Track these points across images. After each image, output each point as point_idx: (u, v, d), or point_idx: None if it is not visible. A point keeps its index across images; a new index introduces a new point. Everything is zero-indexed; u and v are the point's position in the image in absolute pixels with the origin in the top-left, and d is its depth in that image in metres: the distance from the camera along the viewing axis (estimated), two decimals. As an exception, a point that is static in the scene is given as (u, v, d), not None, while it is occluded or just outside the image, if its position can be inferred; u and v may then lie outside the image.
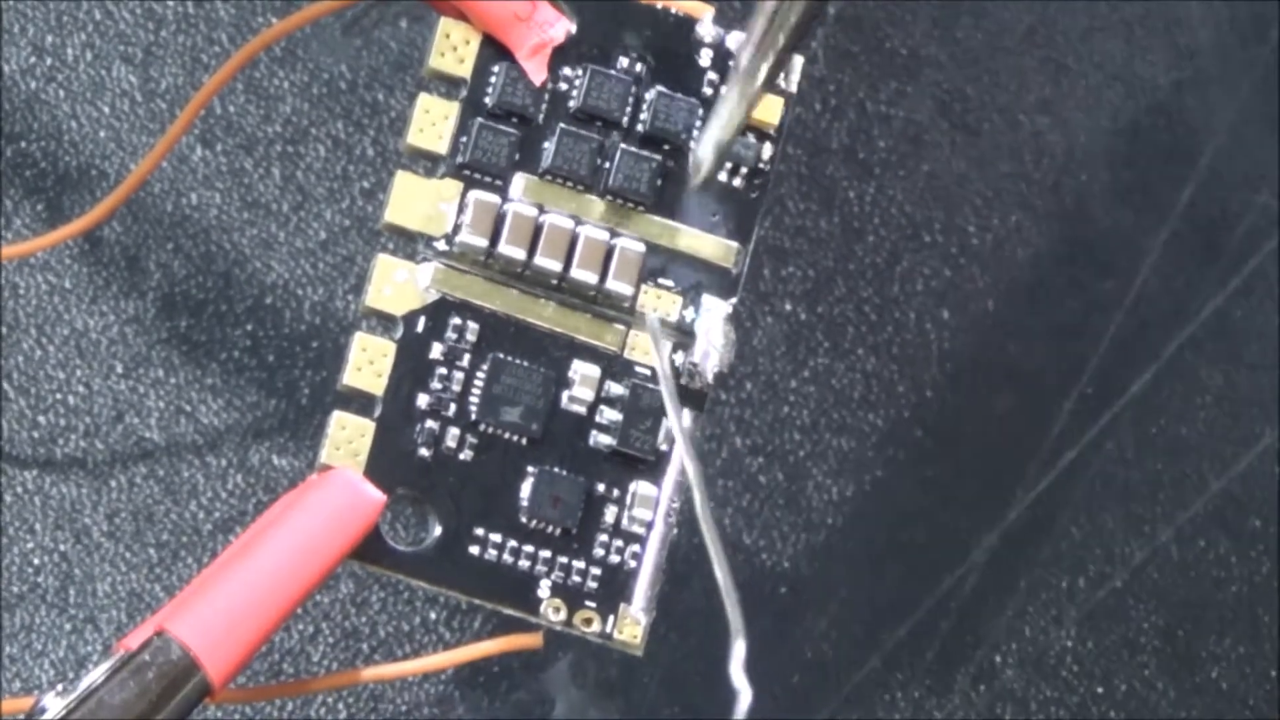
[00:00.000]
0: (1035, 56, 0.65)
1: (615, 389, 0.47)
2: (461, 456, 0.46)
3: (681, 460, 0.46)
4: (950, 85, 0.64)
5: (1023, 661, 0.62)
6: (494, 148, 0.46)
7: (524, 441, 0.46)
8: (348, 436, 0.45)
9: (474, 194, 0.46)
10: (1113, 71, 0.65)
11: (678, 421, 0.46)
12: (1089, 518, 0.62)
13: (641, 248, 0.47)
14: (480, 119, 0.46)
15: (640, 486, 0.47)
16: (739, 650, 0.42)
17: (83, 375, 0.58)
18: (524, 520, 0.46)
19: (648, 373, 0.47)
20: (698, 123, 0.47)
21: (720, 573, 0.43)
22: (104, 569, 0.57)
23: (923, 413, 0.62)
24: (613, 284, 0.46)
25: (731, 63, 0.46)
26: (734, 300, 0.47)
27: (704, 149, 0.45)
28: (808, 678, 0.60)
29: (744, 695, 0.42)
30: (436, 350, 0.46)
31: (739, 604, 0.43)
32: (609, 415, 0.47)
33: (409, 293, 0.46)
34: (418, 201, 0.46)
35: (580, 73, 0.47)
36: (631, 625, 0.47)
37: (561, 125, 0.47)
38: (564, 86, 0.47)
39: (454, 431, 0.46)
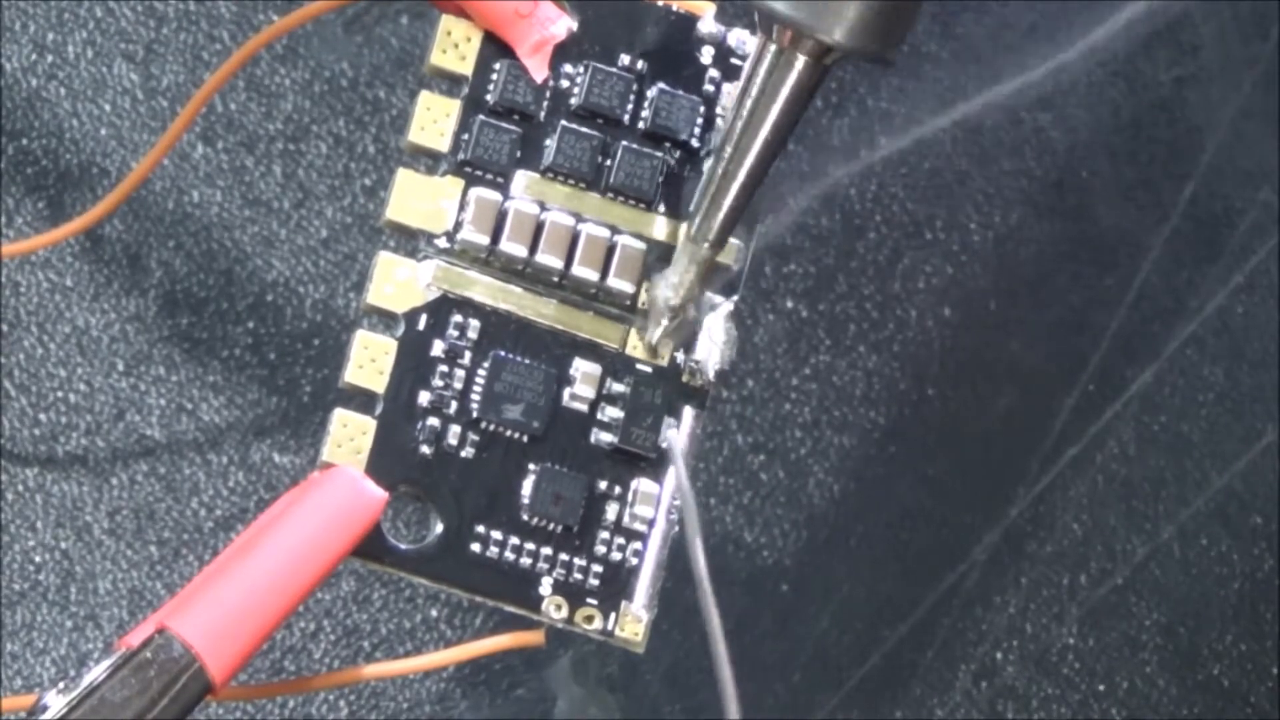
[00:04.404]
0: (1037, 53, 0.65)
1: (616, 386, 0.47)
2: (463, 454, 0.46)
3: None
4: (951, 82, 0.64)
5: (1024, 659, 0.62)
6: (495, 145, 0.46)
7: (525, 439, 0.46)
8: (349, 434, 0.45)
9: (475, 191, 0.46)
10: (1114, 68, 0.65)
11: (697, 550, 0.45)
12: (1091, 515, 0.63)
13: (642, 245, 0.47)
14: (482, 116, 0.46)
15: (642, 484, 0.47)
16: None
17: (84, 373, 0.58)
18: (525, 518, 0.46)
19: (649, 370, 0.47)
20: (699, 120, 0.47)
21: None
22: (105, 566, 0.57)
23: (924, 410, 0.62)
24: (614, 281, 0.46)
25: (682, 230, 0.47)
26: (735, 298, 0.47)
27: (655, 329, 0.46)
28: (809, 675, 0.60)
29: None
30: (438, 348, 0.46)
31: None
32: (610, 413, 0.47)
33: (410, 290, 0.46)
34: (419, 199, 0.46)
35: (582, 70, 0.47)
36: (633, 623, 0.47)
37: (563, 123, 0.46)
38: (565, 84, 0.47)
39: (455, 429, 0.46)
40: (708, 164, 0.47)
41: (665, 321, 0.46)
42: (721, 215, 0.45)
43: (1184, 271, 0.64)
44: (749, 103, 0.44)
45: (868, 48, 0.43)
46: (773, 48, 0.43)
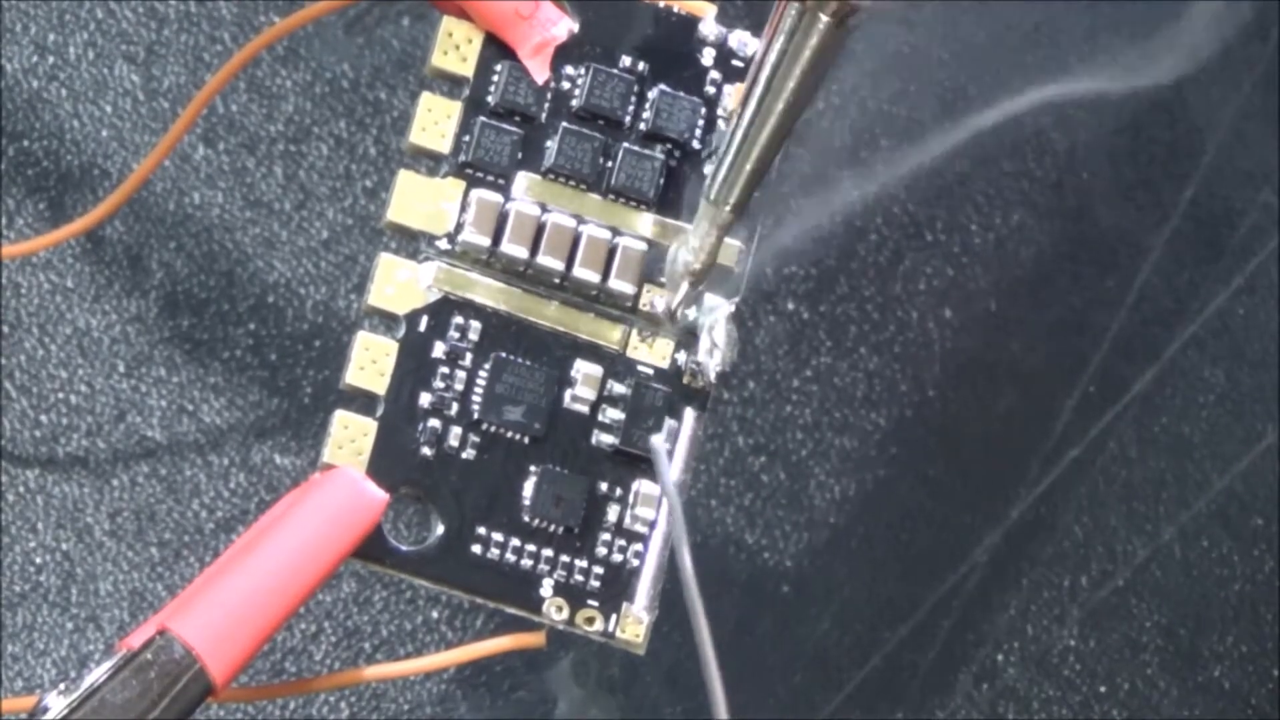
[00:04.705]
0: (1037, 54, 0.65)
1: (617, 388, 0.47)
2: (464, 455, 0.46)
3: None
4: (953, 83, 0.64)
5: (1025, 660, 0.62)
6: (496, 146, 0.46)
7: (526, 440, 0.46)
8: (350, 435, 0.45)
9: (476, 193, 0.46)
10: (1115, 70, 0.65)
11: (684, 558, 0.45)
12: (1091, 516, 0.62)
13: (643, 246, 0.47)
14: (483, 118, 0.46)
15: (643, 485, 0.47)
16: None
17: (85, 374, 0.58)
18: (526, 519, 0.46)
19: (650, 371, 0.47)
20: (700, 121, 0.47)
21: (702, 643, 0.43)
22: (106, 568, 0.57)
23: (925, 411, 0.62)
24: (615, 283, 0.46)
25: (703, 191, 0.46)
26: (736, 299, 0.47)
27: (675, 295, 0.46)
28: (810, 676, 0.60)
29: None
30: (439, 349, 0.46)
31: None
32: (611, 414, 0.47)
33: (411, 292, 0.46)
34: (420, 200, 0.46)
35: (583, 71, 0.47)
36: (634, 624, 0.47)
37: (564, 124, 0.47)
38: (566, 85, 0.47)
39: (456, 430, 0.46)
40: (726, 126, 0.46)
41: (686, 286, 0.46)
42: (743, 179, 0.44)
43: (1184, 272, 0.64)
44: (770, 64, 0.43)
45: (891, 2, 0.41)
46: (795, 7, 0.42)
